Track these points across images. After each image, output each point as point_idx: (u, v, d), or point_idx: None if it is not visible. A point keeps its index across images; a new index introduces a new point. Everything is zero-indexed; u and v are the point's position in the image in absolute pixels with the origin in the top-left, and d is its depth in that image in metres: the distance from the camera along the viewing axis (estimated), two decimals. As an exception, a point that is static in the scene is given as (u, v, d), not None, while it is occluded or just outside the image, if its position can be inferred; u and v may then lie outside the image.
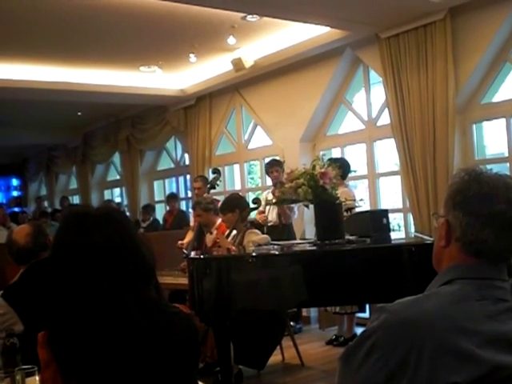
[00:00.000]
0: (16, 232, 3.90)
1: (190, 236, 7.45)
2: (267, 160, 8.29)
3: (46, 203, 16.15)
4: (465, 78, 6.54)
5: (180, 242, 7.24)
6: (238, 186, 10.12)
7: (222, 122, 10.01)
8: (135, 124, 12.04)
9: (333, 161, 5.20)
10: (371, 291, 4.46)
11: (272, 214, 7.53)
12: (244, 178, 9.94)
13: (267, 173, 7.83)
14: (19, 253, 3.74)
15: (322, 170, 4.76)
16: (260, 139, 9.62)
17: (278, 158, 8.14)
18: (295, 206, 7.31)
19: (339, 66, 7.97)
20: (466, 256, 1.62)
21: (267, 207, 7.43)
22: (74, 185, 15.68)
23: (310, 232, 7.62)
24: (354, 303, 6.45)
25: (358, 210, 6.21)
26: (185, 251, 7.01)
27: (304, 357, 6.35)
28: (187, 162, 11.19)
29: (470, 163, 6.53)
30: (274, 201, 6.92)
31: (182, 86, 9.93)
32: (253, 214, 7.30)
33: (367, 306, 7.14)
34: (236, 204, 6.21)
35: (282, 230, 7.39)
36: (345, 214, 5.42)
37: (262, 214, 7.36)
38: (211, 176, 8.41)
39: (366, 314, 7.36)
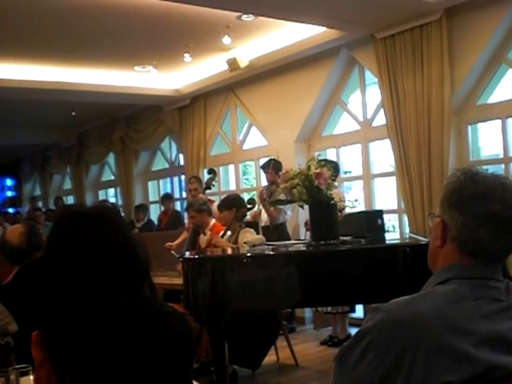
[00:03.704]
0: (9, 232, 3.90)
1: (182, 237, 7.45)
2: (262, 160, 8.28)
3: (40, 203, 16.12)
4: (460, 79, 6.55)
5: (169, 243, 7.23)
6: (232, 187, 10.11)
7: (216, 122, 10.01)
8: (130, 124, 12.03)
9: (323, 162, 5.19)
10: (366, 292, 4.47)
11: (264, 215, 7.54)
12: (239, 179, 9.93)
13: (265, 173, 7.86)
14: (13, 252, 3.74)
15: (317, 171, 4.76)
16: (255, 139, 9.61)
17: (274, 157, 8.13)
18: (285, 207, 7.31)
19: (334, 67, 7.97)
20: (462, 256, 1.62)
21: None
22: (68, 185, 15.65)
23: (305, 232, 7.62)
24: (348, 304, 6.47)
25: (348, 210, 6.21)
26: (173, 252, 7.02)
27: (298, 357, 6.35)
28: (182, 163, 11.18)
29: (464, 164, 6.54)
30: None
31: (176, 85, 9.92)
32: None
33: (357, 307, 7.18)
34: (234, 203, 6.24)
35: (272, 230, 7.39)
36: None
37: (253, 211, 7.32)
38: (207, 176, 8.40)
39: (358, 314, 7.39)
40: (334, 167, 6.03)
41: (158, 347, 1.79)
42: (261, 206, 7.44)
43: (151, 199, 12.47)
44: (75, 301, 1.76)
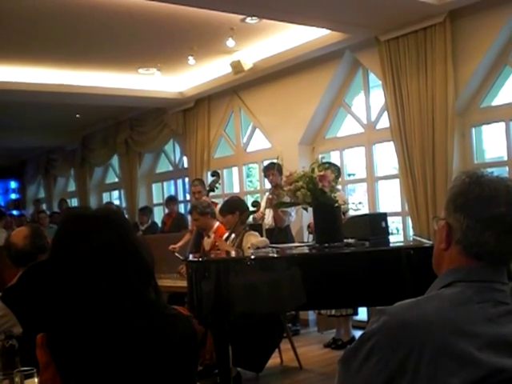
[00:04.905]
0: (14, 234, 3.90)
1: (185, 239, 7.45)
2: (266, 163, 8.28)
3: (44, 206, 16.14)
4: (464, 81, 6.54)
5: (172, 245, 7.24)
6: (236, 189, 10.11)
7: (220, 124, 10.01)
8: (134, 127, 12.05)
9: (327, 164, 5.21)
10: (370, 294, 4.46)
11: (268, 218, 7.54)
12: (242, 181, 9.94)
13: (265, 176, 7.86)
14: (18, 255, 3.74)
15: (321, 173, 4.76)
16: (259, 142, 9.61)
17: (276, 160, 8.13)
18: (291, 210, 7.31)
19: (338, 69, 7.97)
20: (467, 259, 1.62)
21: (267, 210, 7.44)
22: (72, 187, 15.67)
23: (308, 235, 7.62)
24: (352, 306, 6.46)
25: (352, 213, 6.21)
26: (177, 254, 7.02)
27: (302, 360, 6.34)
28: (186, 165, 11.18)
29: (468, 167, 6.52)
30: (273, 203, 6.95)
31: (180, 88, 9.93)
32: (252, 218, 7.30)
33: (360, 309, 7.19)
34: (236, 206, 6.21)
35: (278, 233, 7.40)
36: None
37: (259, 212, 7.30)
38: (210, 179, 8.40)
39: (361, 317, 7.39)
40: (337, 170, 6.04)
41: (163, 350, 1.79)
42: (262, 208, 7.43)
43: (155, 201, 12.49)
44: (80, 303, 1.76)
